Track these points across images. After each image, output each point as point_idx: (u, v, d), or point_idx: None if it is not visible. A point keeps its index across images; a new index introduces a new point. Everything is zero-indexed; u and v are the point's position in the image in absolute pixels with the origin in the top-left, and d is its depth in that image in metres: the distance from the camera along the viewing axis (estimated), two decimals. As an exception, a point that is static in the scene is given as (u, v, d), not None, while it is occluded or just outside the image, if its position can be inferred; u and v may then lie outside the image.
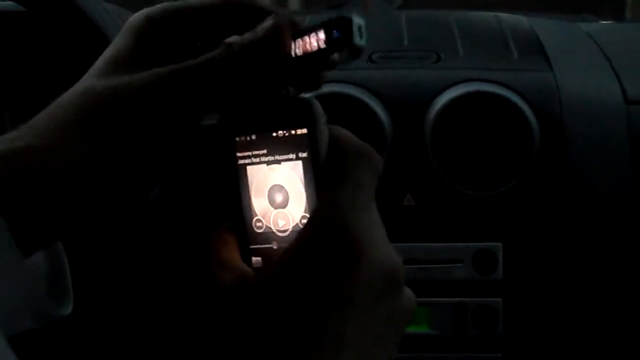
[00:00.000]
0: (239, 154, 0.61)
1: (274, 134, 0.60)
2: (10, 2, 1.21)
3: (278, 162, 0.60)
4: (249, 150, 0.61)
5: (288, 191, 0.60)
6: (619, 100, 1.35)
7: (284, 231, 0.60)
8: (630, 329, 1.35)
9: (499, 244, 1.30)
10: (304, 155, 0.59)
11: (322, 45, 0.59)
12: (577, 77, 1.37)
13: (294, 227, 0.59)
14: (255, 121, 0.61)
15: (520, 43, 1.44)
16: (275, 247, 0.60)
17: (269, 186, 0.60)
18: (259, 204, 0.61)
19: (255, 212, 0.61)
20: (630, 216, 1.31)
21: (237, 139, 0.61)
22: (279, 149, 0.59)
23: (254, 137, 0.61)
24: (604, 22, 1.84)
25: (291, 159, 0.59)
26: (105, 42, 1.09)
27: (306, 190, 0.59)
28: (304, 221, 0.58)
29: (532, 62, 1.39)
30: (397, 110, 1.32)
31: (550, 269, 1.31)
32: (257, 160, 0.60)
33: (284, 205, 0.60)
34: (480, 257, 1.30)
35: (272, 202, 0.60)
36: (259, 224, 0.61)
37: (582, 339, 1.35)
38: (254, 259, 0.61)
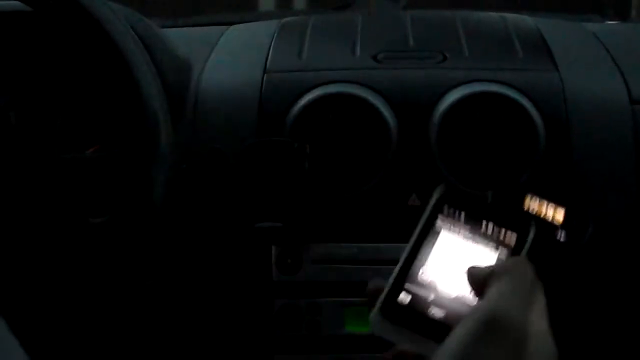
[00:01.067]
0: (441, 216, 0.70)
1: (485, 222, 0.69)
2: (16, 2, 1.21)
3: (475, 242, 0.68)
4: (451, 219, 0.69)
5: (469, 265, 0.66)
6: (624, 100, 1.35)
7: (448, 291, 0.66)
8: (629, 329, 1.35)
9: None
10: (504, 251, 0.67)
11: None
12: (583, 77, 1.37)
13: (460, 294, 0.66)
14: (472, 205, 0.70)
15: (525, 43, 1.44)
16: (431, 297, 0.66)
17: (455, 253, 0.68)
18: (435, 259, 0.68)
19: (426, 263, 0.68)
20: (636, 214, 1.30)
21: (445, 205, 0.70)
22: (483, 235, 0.68)
23: (462, 213, 0.69)
24: (609, 22, 1.84)
25: (489, 247, 0.68)
26: (111, 42, 1.09)
27: None
28: (473, 300, 0.65)
29: (537, 62, 1.39)
30: (403, 110, 1.32)
31: (555, 268, 1.31)
32: (456, 231, 0.69)
33: (461, 273, 0.66)
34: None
35: (450, 265, 0.67)
36: (426, 274, 0.67)
37: (579, 342, 1.35)
38: (402, 294, 0.67)
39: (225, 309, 1.37)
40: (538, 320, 0.61)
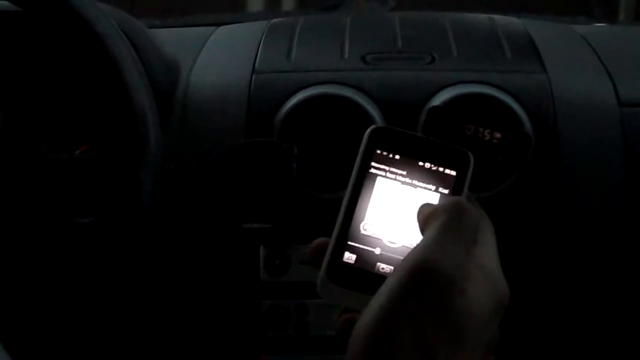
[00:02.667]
0: (373, 164, 0.67)
1: (422, 163, 0.67)
2: (4, 2, 1.21)
3: (414, 186, 0.66)
4: (386, 165, 0.67)
5: (411, 212, 0.65)
6: (612, 102, 1.35)
7: (394, 243, 0.65)
8: (622, 327, 1.36)
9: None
10: (445, 191, 0.65)
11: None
12: (571, 79, 1.37)
13: (406, 243, 0.65)
14: (406, 145, 0.68)
15: (513, 45, 1.44)
16: (377, 252, 0.65)
17: (395, 201, 0.66)
18: (376, 211, 0.66)
19: (366, 216, 0.66)
20: (624, 217, 1.31)
21: (378, 151, 0.67)
22: (421, 177, 0.66)
23: (397, 156, 0.67)
24: (597, 24, 1.84)
25: (429, 189, 0.66)
26: (99, 43, 1.09)
27: None
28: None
29: (525, 63, 1.39)
30: (391, 111, 1.32)
31: (543, 270, 1.31)
32: (392, 177, 0.67)
33: (403, 222, 0.65)
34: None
35: (392, 214, 0.66)
36: (368, 227, 0.65)
37: (575, 340, 1.35)
38: (347, 253, 0.65)
39: (213, 309, 1.37)
40: (484, 262, 0.60)
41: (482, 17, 1.58)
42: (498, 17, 1.57)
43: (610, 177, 1.31)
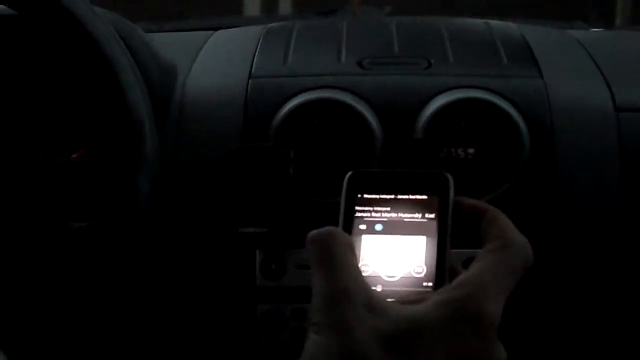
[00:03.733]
0: (357, 208, 0.68)
1: (403, 196, 0.68)
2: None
3: (401, 219, 0.67)
4: (370, 206, 0.68)
5: (404, 244, 0.66)
6: (608, 107, 1.35)
7: (393, 277, 0.65)
8: (619, 330, 1.36)
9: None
10: (431, 216, 0.66)
11: None
12: (567, 84, 1.37)
13: (405, 274, 0.65)
14: (384, 183, 0.69)
15: (510, 50, 1.44)
16: (379, 290, 0.65)
17: (386, 237, 0.67)
18: (369, 251, 0.67)
19: (361, 258, 0.66)
20: (619, 222, 1.31)
21: (359, 195, 0.69)
22: (405, 209, 0.67)
23: (378, 195, 0.69)
24: (594, 29, 1.85)
25: (415, 218, 0.67)
26: (95, 47, 1.09)
27: (427, 245, 0.66)
28: (418, 270, 0.64)
29: (522, 68, 1.40)
30: (388, 116, 1.32)
31: (539, 274, 1.31)
32: (378, 215, 0.68)
33: (398, 255, 0.66)
34: (470, 264, 1.30)
35: (385, 251, 0.66)
36: (365, 268, 0.66)
37: (573, 342, 1.35)
38: None
39: (209, 313, 1.37)
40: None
41: (479, 22, 1.58)
42: (494, 22, 1.58)
43: (607, 181, 1.31)
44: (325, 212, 1.31)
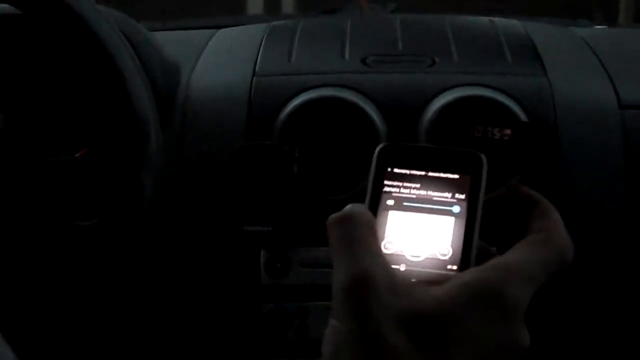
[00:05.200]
0: (386, 182, 0.66)
1: (434, 173, 0.66)
2: (3, 5, 1.21)
3: (430, 197, 0.65)
4: (399, 181, 0.66)
5: (431, 223, 0.64)
6: (613, 105, 1.35)
7: (417, 257, 0.63)
8: (623, 327, 1.36)
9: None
10: (461, 197, 0.65)
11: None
12: (572, 82, 1.37)
13: (430, 255, 0.63)
14: (416, 158, 0.67)
15: (514, 47, 1.44)
16: (402, 269, 0.63)
17: (413, 215, 0.65)
18: (395, 228, 0.64)
19: (387, 235, 0.64)
20: (624, 219, 1.31)
21: (389, 169, 0.66)
22: (435, 187, 0.65)
23: (409, 171, 0.66)
24: (598, 27, 1.84)
25: (445, 198, 0.65)
26: (99, 45, 1.09)
27: (454, 227, 0.64)
28: (443, 252, 0.63)
29: (526, 66, 1.39)
30: (392, 114, 1.32)
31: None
32: (407, 191, 0.65)
33: (424, 234, 0.64)
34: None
35: (412, 229, 0.64)
36: (389, 245, 0.64)
37: (577, 342, 1.35)
38: None
39: (214, 312, 1.37)
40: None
41: (483, 19, 1.58)
42: (499, 20, 1.57)
43: (611, 179, 1.31)
44: (329, 210, 1.31)
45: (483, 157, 0.66)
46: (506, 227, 0.67)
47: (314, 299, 1.33)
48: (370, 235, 0.60)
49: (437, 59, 1.41)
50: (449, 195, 0.65)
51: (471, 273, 0.58)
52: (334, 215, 0.62)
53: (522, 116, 1.29)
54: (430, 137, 1.29)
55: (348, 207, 0.63)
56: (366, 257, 0.58)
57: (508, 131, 0.70)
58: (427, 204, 0.65)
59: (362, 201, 0.65)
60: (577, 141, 1.31)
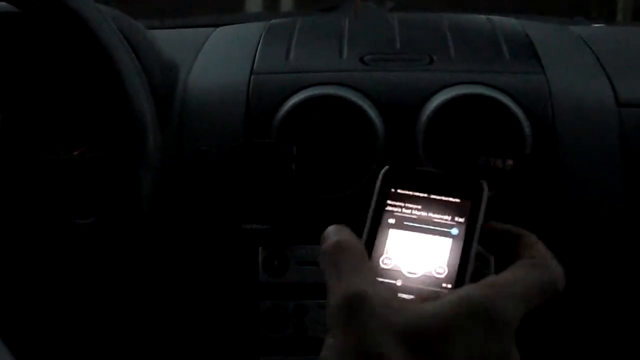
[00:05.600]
0: (389, 202, 0.69)
1: (436, 196, 0.68)
2: (2, 3, 1.21)
3: (430, 218, 0.67)
4: (402, 202, 0.68)
5: (429, 243, 0.66)
6: (610, 103, 1.35)
7: (414, 273, 0.65)
8: (621, 326, 1.36)
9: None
10: (461, 220, 0.67)
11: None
12: (569, 80, 1.37)
13: (426, 272, 0.65)
14: (420, 181, 0.69)
15: (512, 46, 1.44)
16: (398, 284, 0.65)
17: (413, 234, 0.67)
18: (394, 245, 0.67)
19: (385, 251, 0.67)
20: (622, 217, 1.31)
21: (392, 189, 0.69)
22: (436, 209, 0.68)
23: (412, 192, 0.69)
24: (595, 25, 1.84)
25: (445, 220, 0.67)
26: (98, 44, 1.09)
27: (452, 248, 0.66)
28: (439, 270, 0.65)
29: (524, 64, 1.40)
30: (390, 112, 1.32)
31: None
32: (408, 212, 0.68)
33: (422, 252, 0.66)
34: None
35: (410, 247, 0.66)
36: (387, 261, 0.66)
37: (575, 342, 1.35)
38: None
39: (212, 310, 1.37)
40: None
41: (481, 18, 1.58)
42: (496, 18, 1.58)
43: (609, 177, 1.31)
44: (327, 208, 1.31)
45: (484, 183, 0.69)
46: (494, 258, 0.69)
47: (311, 297, 1.34)
48: (362, 262, 0.62)
49: (435, 57, 1.41)
50: (449, 218, 0.67)
51: (464, 290, 0.59)
52: (325, 245, 0.63)
53: (520, 114, 1.29)
54: (428, 135, 1.29)
55: (333, 233, 0.65)
56: (359, 279, 0.59)
57: (510, 162, 0.72)
58: (427, 224, 0.67)
59: (360, 200, 0.67)
60: (574, 139, 1.31)
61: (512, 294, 0.59)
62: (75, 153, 1.29)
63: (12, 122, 1.30)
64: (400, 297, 0.61)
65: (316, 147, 1.31)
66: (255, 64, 1.41)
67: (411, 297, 0.64)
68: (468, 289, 0.59)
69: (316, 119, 1.31)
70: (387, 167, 0.70)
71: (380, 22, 1.57)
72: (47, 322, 1.37)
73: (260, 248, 1.33)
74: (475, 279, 0.63)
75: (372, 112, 1.31)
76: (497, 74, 1.36)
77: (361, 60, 1.40)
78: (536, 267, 0.63)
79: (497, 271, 0.63)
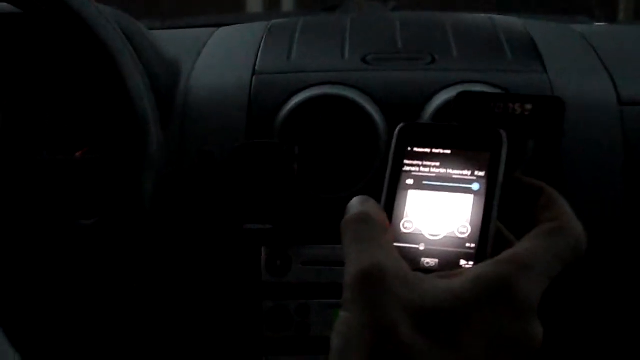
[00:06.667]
0: (406, 161, 0.66)
1: (454, 151, 0.65)
2: (3, 4, 1.21)
3: (449, 175, 0.65)
4: (419, 160, 0.66)
5: (450, 201, 0.64)
6: (612, 101, 1.35)
7: (436, 235, 0.63)
8: (621, 325, 1.36)
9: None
10: (481, 174, 0.64)
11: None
12: (571, 79, 1.37)
13: (448, 233, 0.63)
14: (436, 137, 0.66)
15: (514, 45, 1.44)
16: (421, 248, 0.63)
17: (432, 193, 0.65)
18: (414, 207, 0.65)
19: (405, 214, 0.65)
20: (623, 216, 1.31)
21: (409, 148, 0.66)
22: (454, 165, 0.65)
23: (428, 149, 0.66)
24: (597, 24, 1.84)
25: (464, 175, 0.64)
26: (99, 44, 1.09)
27: (473, 204, 0.63)
28: (462, 230, 0.62)
29: (526, 63, 1.39)
30: (392, 111, 1.32)
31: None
32: (426, 170, 0.65)
33: (443, 212, 0.64)
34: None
35: (431, 208, 0.64)
36: (408, 225, 0.64)
37: (573, 340, 1.35)
38: None
39: (214, 310, 1.37)
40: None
41: (483, 17, 1.58)
42: (498, 17, 1.57)
43: (611, 176, 1.31)
44: (330, 208, 1.31)
45: (503, 133, 0.65)
46: (515, 218, 0.66)
47: (314, 297, 1.33)
48: (383, 234, 0.60)
49: (437, 57, 1.41)
50: (469, 172, 0.65)
51: (484, 267, 0.57)
52: (348, 216, 0.62)
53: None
54: (458, 121, 1.29)
55: (358, 203, 0.63)
56: (378, 251, 0.58)
57: (529, 106, 0.68)
58: (447, 182, 0.65)
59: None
60: (577, 138, 1.31)
61: (535, 270, 0.57)
62: (77, 154, 1.29)
63: (14, 123, 1.30)
64: (418, 274, 0.58)
65: (318, 147, 1.31)
66: (257, 64, 1.41)
67: (435, 261, 0.62)
68: (488, 266, 0.57)
69: (318, 118, 1.31)
70: (402, 124, 0.67)
71: (382, 22, 1.57)
72: (49, 322, 1.37)
73: (262, 248, 1.33)
74: (498, 238, 0.62)
75: (375, 112, 1.31)
76: (499, 73, 1.36)
77: (363, 60, 1.40)
78: (557, 234, 0.61)
79: (519, 234, 0.62)
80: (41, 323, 1.36)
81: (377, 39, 1.48)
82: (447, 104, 1.29)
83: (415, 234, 0.64)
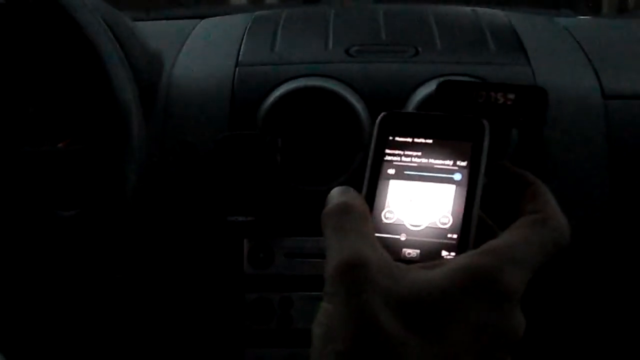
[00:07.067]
0: (387, 151, 0.65)
1: (436, 141, 0.65)
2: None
3: (431, 165, 0.64)
4: (401, 150, 0.65)
5: (432, 191, 0.63)
6: (596, 95, 1.35)
7: (418, 226, 0.63)
8: (609, 321, 1.36)
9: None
10: (463, 164, 0.64)
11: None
12: (555, 72, 1.38)
13: (430, 224, 0.62)
14: (417, 126, 0.65)
15: (498, 37, 1.44)
16: (402, 239, 0.62)
17: (414, 183, 0.64)
18: (395, 197, 0.64)
19: (387, 204, 0.64)
20: (608, 208, 1.31)
21: (390, 137, 0.65)
22: (436, 154, 0.64)
23: (410, 139, 0.65)
24: (581, 17, 1.84)
25: (446, 165, 0.64)
26: (82, 35, 1.08)
27: (455, 195, 0.63)
28: (444, 220, 0.62)
29: (509, 56, 1.40)
30: (375, 104, 1.32)
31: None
32: (408, 160, 0.65)
33: (425, 203, 0.63)
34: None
35: (412, 198, 0.63)
36: (389, 215, 0.63)
37: (565, 341, 1.35)
38: None
39: (196, 302, 1.36)
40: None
41: (466, 9, 1.58)
42: (482, 10, 1.58)
43: (595, 168, 1.31)
44: (313, 200, 1.31)
45: (485, 122, 0.65)
46: (499, 208, 0.66)
47: (297, 290, 1.33)
48: (364, 224, 0.60)
49: (420, 49, 1.41)
50: (451, 162, 0.64)
51: (467, 257, 0.57)
52: (328, 207, 0.61)
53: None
54: (440, 110, 1.29)
55: (339, 194, 0.63)
56: (359, 242, 0.58)
57: (512, 95, 0.67)
58: (428, 172, 0.64)
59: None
60: (560, 131, 1.32)
61: (518, 261, 0.57)
62: (60, 145, 1.29)
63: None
64: (400, 265, 0.58)
65: (301, 139, 1.30)
66: (240, 56, 1.41)
67: (416, 252, 0.62)
68: (470, 257, 0.57)
69: (301, 110, 1.31)
70: (383, 113, 0.66)
71: (366, 14, 1.57)
72: (30, 315, 1.36)
73: (245, 240, 1.32)
74: (480, 228, 0.62)
75: (358, 104, 1.31)
76: (483, 65, 1.36)
77: (346, 52, 1.40)
78: (541, 226, 0.61)
79: (502, 223, 0.62)
80: (21, 316, 1.35)
81: (361, 31, 1.47)
82: (430, 97, 1.29)
83: (396, 224, 0.63)
